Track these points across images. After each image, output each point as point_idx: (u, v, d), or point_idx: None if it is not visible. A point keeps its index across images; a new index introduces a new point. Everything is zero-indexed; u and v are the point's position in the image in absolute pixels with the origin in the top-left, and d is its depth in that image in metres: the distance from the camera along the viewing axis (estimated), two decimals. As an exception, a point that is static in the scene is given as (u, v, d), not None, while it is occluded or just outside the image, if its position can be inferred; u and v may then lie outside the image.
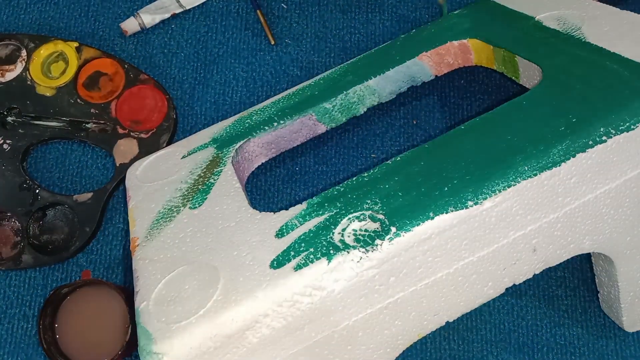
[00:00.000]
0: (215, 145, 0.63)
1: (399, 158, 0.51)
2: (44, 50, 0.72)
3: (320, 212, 0.48)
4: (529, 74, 0.59)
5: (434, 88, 0.72)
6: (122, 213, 0.69)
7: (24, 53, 0.72)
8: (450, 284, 0.48)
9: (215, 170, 0.59)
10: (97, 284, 0.62)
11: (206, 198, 0.55)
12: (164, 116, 0.70)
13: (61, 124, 0.70)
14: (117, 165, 0.68)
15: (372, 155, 0.70)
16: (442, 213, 0.45)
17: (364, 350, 0.48)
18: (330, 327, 0.45)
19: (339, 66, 0.67)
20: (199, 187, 0.57)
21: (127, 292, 0.64)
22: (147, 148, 0.69)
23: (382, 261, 0.44)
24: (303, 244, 0.46)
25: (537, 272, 0.50)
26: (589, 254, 0.65)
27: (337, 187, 0.50)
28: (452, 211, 0.45)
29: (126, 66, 0.71)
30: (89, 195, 0.67)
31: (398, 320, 0.47)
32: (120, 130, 0.69)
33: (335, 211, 0.48)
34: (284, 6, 0.76)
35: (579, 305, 0.65)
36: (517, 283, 0.50)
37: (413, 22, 0.75)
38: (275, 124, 0.63)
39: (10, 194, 0.67)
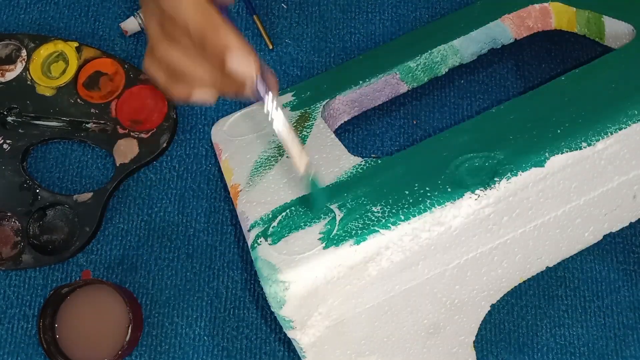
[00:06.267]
0: (302, 102, 0.64)
1: (502, 106, 0.52)
2: (44, 50, 0.72)
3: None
4: (617, 34, 0.59)
5: (434, 88, 0.72)
6: (122, 213, 0.69)
7: (24, 53, 0.72)
8: (556, 227, 0.49)
9: (306, 124, 0.60)
10: (97, 284, 0.62)
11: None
12: (164, 116, 0.70)
13: (61, 124, 0.70)
14: (117, 165, 0.68)
15: (372, 156, 0.70)
16: (558, 153, 0.46)
17: (470, 290, 0.49)
18: (442, 265, 0.47)
19: (423, 26, 0.68)
20: None
21: (127, 292, 0.64)
22: (147, 148, 0.69)
23: (498, 199, 0.45)
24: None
25: (633, 220, 0.51)
26: (588, 254, 0.66)
27: (460, 125, 0.52)
28: (567, 152, 0.46)
29: (126, 66, 0.71)
30: (89, 195, 0.67)
31: (505, 261, 0.49)
32: (120, 130, 0.69)
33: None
34: (284, 6, 0.76)
35: (579, 305, 0.65)
36: (614, 230, 0.51)
37: (413, 22, 0.75)
38: (361, 81, 0.64)
39: (10, 194, 0.67)
